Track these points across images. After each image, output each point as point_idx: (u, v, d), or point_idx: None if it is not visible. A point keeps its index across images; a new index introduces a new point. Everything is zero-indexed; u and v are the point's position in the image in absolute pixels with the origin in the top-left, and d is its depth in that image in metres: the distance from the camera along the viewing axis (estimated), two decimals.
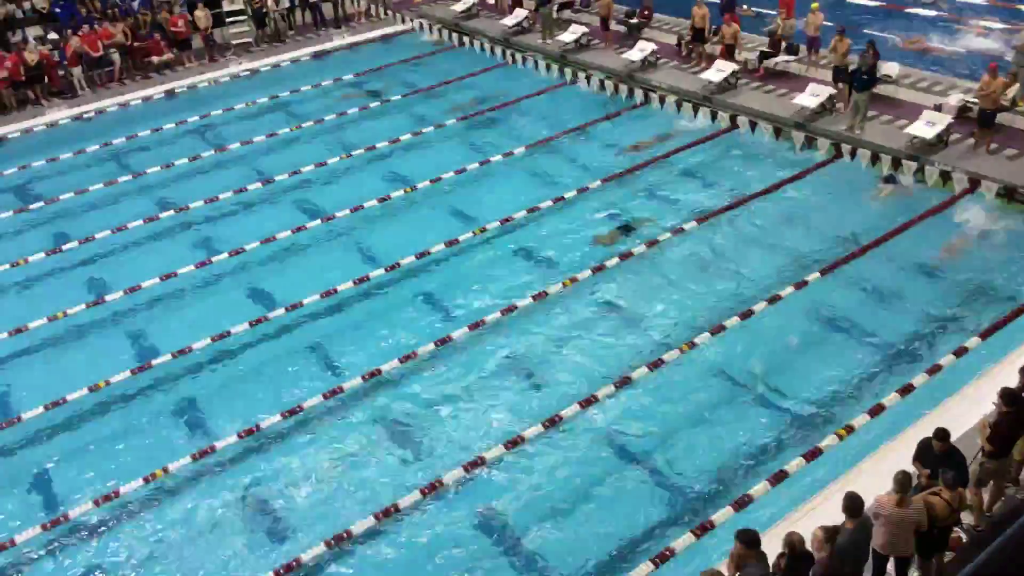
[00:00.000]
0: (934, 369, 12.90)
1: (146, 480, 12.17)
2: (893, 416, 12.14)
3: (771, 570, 8.49)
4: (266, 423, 13.01)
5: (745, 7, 27.37)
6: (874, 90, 19.49)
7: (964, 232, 16.21)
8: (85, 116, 24.12)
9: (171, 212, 19.04)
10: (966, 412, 11.22)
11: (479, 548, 11.15)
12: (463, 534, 11.33)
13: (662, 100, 22.30)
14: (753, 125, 20.60)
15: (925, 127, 18.44)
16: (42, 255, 17.71)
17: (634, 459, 12.30)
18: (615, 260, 16.25)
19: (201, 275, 16.91)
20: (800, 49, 22.96)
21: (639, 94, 22.77)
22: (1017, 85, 19.20)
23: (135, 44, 26.19)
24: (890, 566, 9.23)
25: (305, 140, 22.26)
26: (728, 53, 22.61)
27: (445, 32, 28.27)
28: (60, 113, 24.12)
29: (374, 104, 23.72)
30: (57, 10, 26.98)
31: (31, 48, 24.92)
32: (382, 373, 13.90)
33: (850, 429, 11.93)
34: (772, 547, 8.76)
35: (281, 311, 15.45)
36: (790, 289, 15.00)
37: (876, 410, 12.21)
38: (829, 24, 22.32)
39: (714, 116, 21.30)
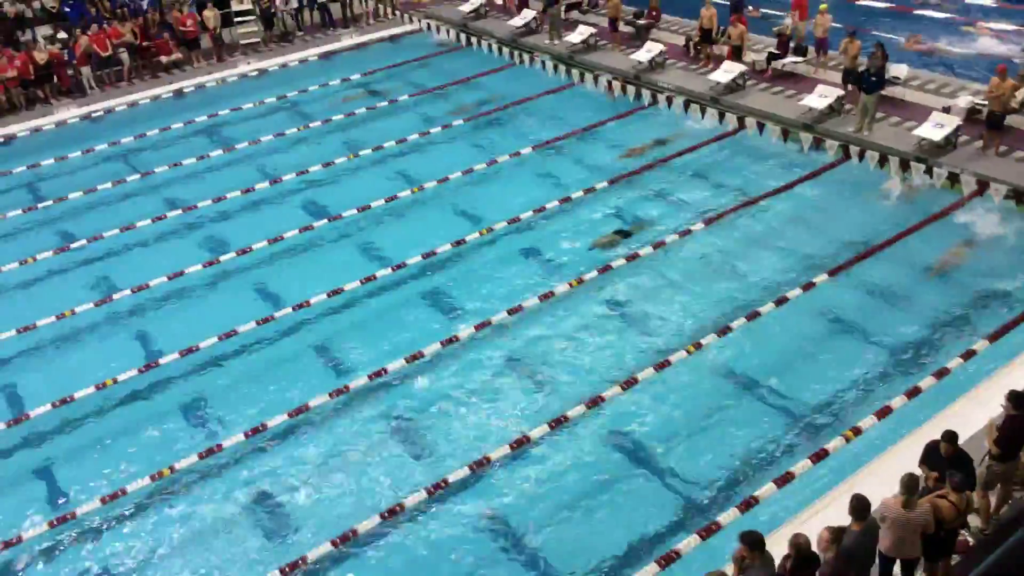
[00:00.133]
0: (942, 372, 12.86)
1: (153, 478, 12.21)
2: (900, 418, 12.10)
3: (777, 572, 8.47)
4: (272, 422, 13.03)
5: (751, 8, 27.33)
6: (883, 92, 19.42)
7: (960, 244, 16.05)
8: (94, 115, 24.20)
9: (179, 211, 19.09)
10: (973, 414, 11.20)
11: (484, 548, 11.16)
12: (468, 534, 11.34)
13: (670, 101, 22.27)
14: (761, 126, 20.56)
15: (934, 129, 18.38)
16: (50, 253, 17.76)
17: (640, 460, 12.30)
18: (621, 261, 16.24)
19: (208, 274, 16.95)
20: (808, 50, 22.91)
21: (647, 95, 22.75)
22: None
23: (144, 44, 26.26)
24: (896, 568, 9.20)
25: (313, 140, 22.30)
26: (735, 54, 22.57)
27: (453, 32, 28.29)
28: (69, 112, 24.20)
29: (381, 104, 23.73)
30: (67, 9, 27.09)
31: (41, 47, 25.03)
32: (388, 372, 13.92)
33: (857, 431, 11.89)
34: (778, 549, 8.75)
35: (288, 310, 15.48)
36: (797, 291, 14.97)
37: (883, 412, 12.17)
38: (837, 26, 22.25)
39: (722, 117, 21.25)
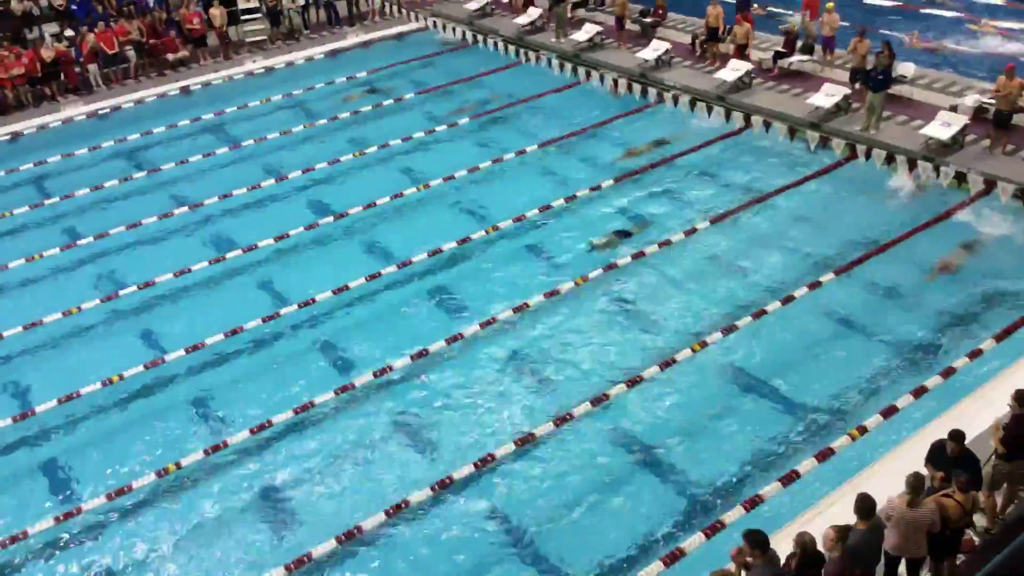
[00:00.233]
0: (948, 371, 12.83)
1: (159, 475, 12.24)
2: (906, 418, 12.09)
3: (782, 570, 8.46)
4: (278, 419, 13.05)
5: (757, 6, 27.26)
6: (889, 91, 19.37)
7: (959, 248, 15.93)
8: (100, 113, 24.24)
9: (185, 208, 19.12)
10: (980, 414, 11.16)
11: (489, 545, 11.17)
12: (473, 531, 11.35)
13: (676, 99, 22.24)
14: (767, 125, 20.53)
15: (941, 128, 18.33)
16: (57, 250, 17.80)
17: (645, 458, 12.29)
18: (627, 259, 16.22)
19: (214, 271, 16.97)
20: (815, 49, 22.86)
21: (653, 93, 22.72)
22: None
23: (151, 41, 26.31)
24: (902, 568, 9.18)
25: (318, 138, 22.31)
26: (740, 53, 22.52)
27: (459, 30, 28.28)
28: (76, 109, 24.25)
29: (387, 102, 23.73)
30: (74, 7, 27.13)
31: (48, 45, 25.07)
32: (393, 370, 13.93)
33: (863, 430, 11.87)
34: (783, 548, 8.74)
35: (293, 307, 15.50)
36: (803, 290, 14.94)
37: (889, 411, 12.14)
38: (845, 24, 22.20)
39: (728, 116, 21.23)
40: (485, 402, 13.46)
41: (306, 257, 17.46)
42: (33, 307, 16.04)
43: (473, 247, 17.17)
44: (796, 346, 14.11)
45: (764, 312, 14.47)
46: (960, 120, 18.41)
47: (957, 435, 9.48)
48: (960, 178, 17.63)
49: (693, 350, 13.80)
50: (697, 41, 24.26)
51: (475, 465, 11.98)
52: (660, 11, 26.16)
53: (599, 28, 25.55)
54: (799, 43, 22.92)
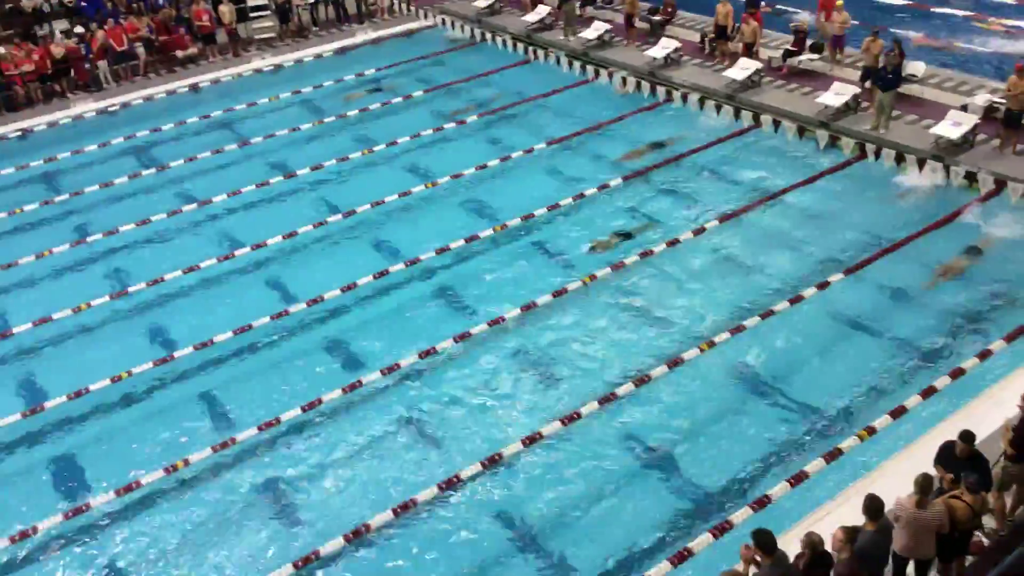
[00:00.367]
0: (957, 372, 12.79)
1: (167, 471, 12.28)
2: (915, 418, 12.06)
3: (790, 570, 8.44)
4: (286, 416, 13.08)
5: (765, 4, 27.15)
6: (899, 90, 19.30)
7: (959, 256, 15.76)
8: (110, 109, 24.32)
9: (194, 205, 19.17)
10: (989, 415, 11.12)
11: (496, 544, 11.18)
12: (481, 529, 11.36)
13: (685, 98, 22.20)
14: (776, 124, 20.48)
15: (951, 127, 18.26)
16: (66, 246, 17.88)
17: (652, 457, 12.28)
18: (635, 258, 16.20)
19: (223, 268, 17.01)
20: (825, 48, 22.77)
21: (661, 91, 22.68)
22: None
23: (160, 38, 26.37)
24: (910, 569, 9.16)
25: (327, 135, 22.33)
26: (748, 51, 22.45)
27: (467, 28, 28.28)
28: (85, 106, 24.32)
29: (396, 100, 23.73)
30: (83, 4, 27.20)
31: (58, 41, 25.16)
32: (401, 368, 13.94)
33: (871, 431, 11.84)
34: (791, 548, 8.72)
35: (302, 305, 15.53)
36: (812, 289, 14.90)
37: (898, 412, 12.12)
38: (855, 22, 22.11)
39: (737, 114, 21.18)
40: (493, 401, 13.46)
41: (314, 255, 17.48)
42: (43, 303, 16.10)
43: (481, 245, 17.17)
44: (804, 346, 14.07)
45: (772, 312, 14.44)
46: (971, 119, 18.34)
47: (967, 436, 9.44)
48: (970, 178, 17.56)
49: (701, 350, 13.78)
50: (706, 39, 24.20)
51: (482, 464, 12.00)
52: (669, 9, 26.11)
53: (608, 26, 25.51)
54: (809, 41, 22.83)
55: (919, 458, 10.35)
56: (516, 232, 17.55)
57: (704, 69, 23.28)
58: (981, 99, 19.46)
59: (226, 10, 26.89)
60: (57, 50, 24.74)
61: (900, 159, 18.47)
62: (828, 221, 17.27)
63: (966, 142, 18.25)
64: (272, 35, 28.32)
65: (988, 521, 9.92)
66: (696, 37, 24.88)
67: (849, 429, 12.16)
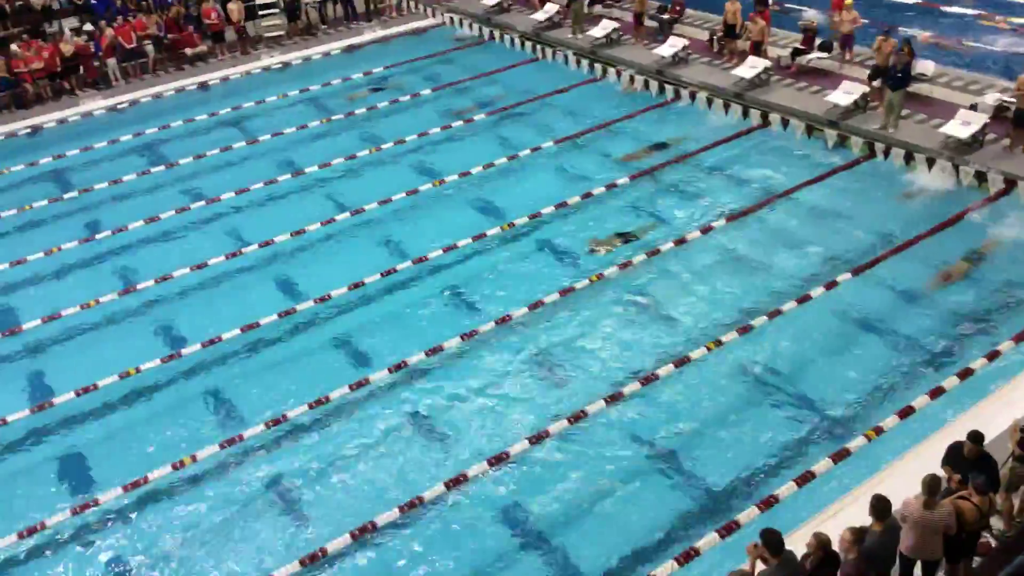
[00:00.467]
0: (965, 372, 12.74)
1: (174, 467, 12.32)
2: (923, 419, 12.02)
3: (797, 571, 8.42)
4: (293, 413, 13.11)
5: (772, 3, 27.04)
6: (909, 89, 19.22)
7: (960, 262, 15.61)
8: (119, 107, 24.39)
9: (202, 203, 19.23)
10: (997, 416, 11.08)
11: (502, 542, 11.19)
12: (487, 528, 11.37)
13: (693, 96, 22.16)
14: (785, 122, 20.43)
15: (960, 127, 18.18)
16: (75, 243, 17.96)
17: (659, 456, 12.27)
18: (643, 257, 16.19)
19: (231, 266, 17.05)
20: (834, 46, 22.69)
21: (670, 90, 22.65)
22: None
23: (169, 36, 26.44)
24: (917, 569, 9.13)
25: (335, 133, 22.35)
26: (755, 50, 22.38)
27: (476, 26, 28.27)
28: (95, 103, 24.40)
29: (404, 98, 23.74)
30: (93, 1, 27.32)
31: (67, 39, 25.26)
32: (408, 365, 13.95)
33: (879, 431, 11.81)
34: (798, 548, 8.70)
35: (309, 303, 15.55)
36: (820, 289, 14.86)
37: (906, 412, 12.08)
38: (865, 21, 22.02)
39: (746, 113, 21.14)
40: (499, 399, 13.47)
41: (322, 252, 17.50)
42: (52, 300, 16.19)
43: (488, 244, 17.17)
44: (812, 346, 14.04)
45: (780, 312, 14.41)
46: (980, 119, 18.25)
47: (975, 436, 9.41)
48: (980, 177, 17.49)
49: (708, 349, 13.76)
50: (715, 38, 24.14)
51: (489, 462, 12.00)
52: (678, 7, 26.05)
53: (616, 24, 25.47)
54: (818, 40, 22.76)
55: (927, 458, 10.32)
56: (523, 230, 17.54)
57: (713, 67, 23.22)
58: (991, 98, 19.37)
59: (235, 8, 26.94)
60: (67, 47, 24.83)
61: (909, 158, 18.40)
62: (836, 220, 17.22)
63: (976, 141, 18.18)
64: (280, 33, 28.37)
65: (996, 522, 9.88)
66: (705, 35, 24.83)
67: (857, 429, 12.12)
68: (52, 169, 21.46)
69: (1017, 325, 13.80)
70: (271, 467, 12.56)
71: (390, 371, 13.86)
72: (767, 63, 21.87)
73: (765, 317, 14.31)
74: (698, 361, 13.60)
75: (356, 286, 15.89)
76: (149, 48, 26.03)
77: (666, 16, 25.73)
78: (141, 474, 12.24)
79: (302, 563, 10.72)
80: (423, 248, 16.88)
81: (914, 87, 19.96)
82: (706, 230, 16.91)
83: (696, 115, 21.82)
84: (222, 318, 15.26)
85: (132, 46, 25.65)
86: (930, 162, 18.11)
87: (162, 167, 21.01)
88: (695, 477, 11.87)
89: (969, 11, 27.79)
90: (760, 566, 8.49)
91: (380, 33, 28.56)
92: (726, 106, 21.47)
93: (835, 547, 8.44)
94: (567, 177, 19.59)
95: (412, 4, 30.60)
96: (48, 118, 23.76)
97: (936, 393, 12.37)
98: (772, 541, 8.33)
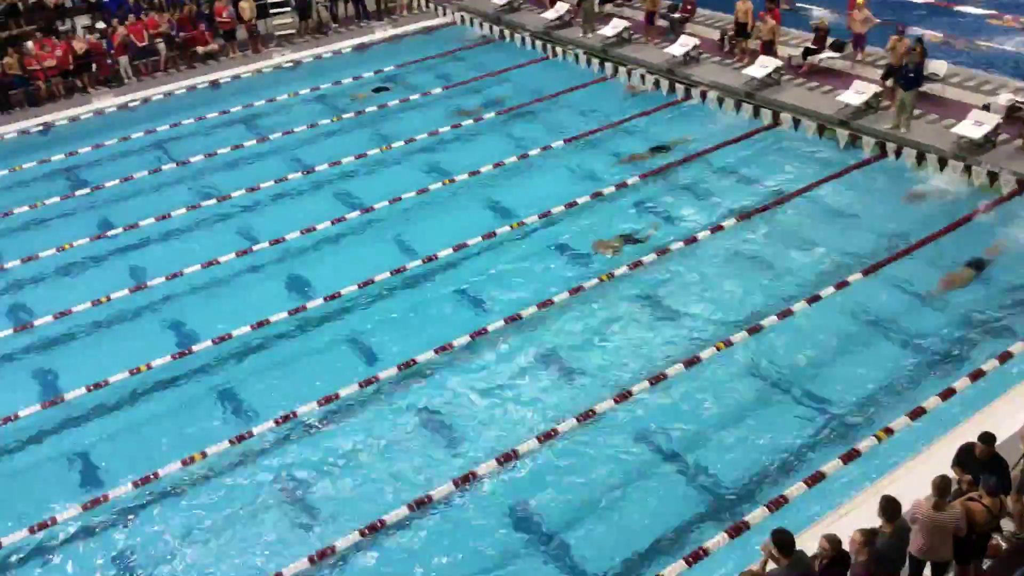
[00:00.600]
0: (977, 374, 12.68)
1: (184, 463, 12.36)
2: (933, 420, 11.96)
3: (808, 571, 8.40)
4: (303, 410, 13.14)
5: (783, 2, 26.93)
6: (921, 89, 19.14)
7: (965, 266, 15.44)
8: (130, 105, 24.48)
9: (213, 201, 19.29)
10: (1008, 417, 11.02)
11: (511, 541, 11.19)
12: (495, 526, 11.37)
13: (704, 96, 22.12)
14: (796, 122, 20.37)
15: (973, 127, 18.09)
16: (87, 240, 18.04)
17: (668, 456, 12.25)
18: (652, 256, 16.16)
19: (242, 263, 17.10)
20: (846, 46, 22.62)
21: (680, 89, 22.61)
22: None
23: (181, 34, 26.53)
24: (927, 571, 9.09)
25: (345, 131, 22.38)
26: (766, 50, 22.32)
27: (486, 25, 28.28)
28: (106, 101, 24.51)
29: (414, 97, 23.77)
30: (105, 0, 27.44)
31: (80, 37, 25.38)
32: (417, 363, 13.97)
33: (889, 431, 11.76)
34: (807, 549, 8.67)
35: (319, 300, 15.59)
36: (830, 289, 14.81)
37: (916, 413, 12.03)
38: (876, 20, 21.94)
39: (756, 112, 21.08)
40: (508, 397, 13.47)
41: (332, 250, 17.54)
42: (63, 296, 16.25)
43: (498, 242, 17.17)
44: (822, 346, 13.99)
45: (790, 312, 14.37)
46: (993, 119, 18.16)
47: (987, 438, 9.37)
48: (992, 178, 17.41)
49: (718, 348, 13.73)
50: (726, 37, 24.09)
51: (498, 460, 12.00)
52: (689, 6, 25.99)
53: (626, 23, 25.44)
54: (829, 40, 22.67)
55: (937, 460, 10.27)
56: (534, 229, 17.54)
57: (724, 67, 23.17)
58: (1003, 99, 19.27)
59: (246, 6, 27.00)
60: (79, 45, 24.95)
61: (921, 159, 18.33)
62: (847, 220, 17.17)
63: (988, 142, 18.09)
64: (292, 31, 28.44)
65: (1006, 524, 9.82)
66: (716, 35, 24.77)
67: (867, 430, 12.08)
68: (64, 166, 21.55)
69: None
70: (280, 464, 12.59)
71: (399, 369, 13.87)
72: (778, 62, 21.81)
73: (775, 317, 14.27)
74: (708, 361, 13.57)
75: (366, 284, 15.92)
76: (161, 46, 26.12)
77: (677, 15, 25.67)
78: (151, 470, 12.28)
79: (311, 560, 10.75)
80: (433, 246, 16.88)
81: (926, 87, 19.87)
82: (716, 229, 16.87)
83: (707, 114, 21.78)
84: (232, 315, 15.30)
85: (144, 44, 25.76)
86: (942, 162, 18.04)
87: (173, 165, 21.09)
88: (704, 477, 11.85)
89: (981, 11, 27.64)
90: (771, 566, 8.47)
91: (391, 32, 28.60)
92: (737, 106, 21.43)
93: (845, 547, 8.41)
94: (577, 176, 19.57)
95: (423, 3, 30.62)
96: (60, 115, 23.85)
97: (947, 394, 12.32)
98: (783, 541, 8.31)
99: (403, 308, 15.70)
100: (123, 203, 19.72)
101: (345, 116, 22.90)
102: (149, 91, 24.95)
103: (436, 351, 14.14)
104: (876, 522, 8.72)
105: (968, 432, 10.22)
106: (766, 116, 20.88)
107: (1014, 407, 11.46)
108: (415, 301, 15.86)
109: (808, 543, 8.85)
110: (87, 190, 20.18)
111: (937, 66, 20.80)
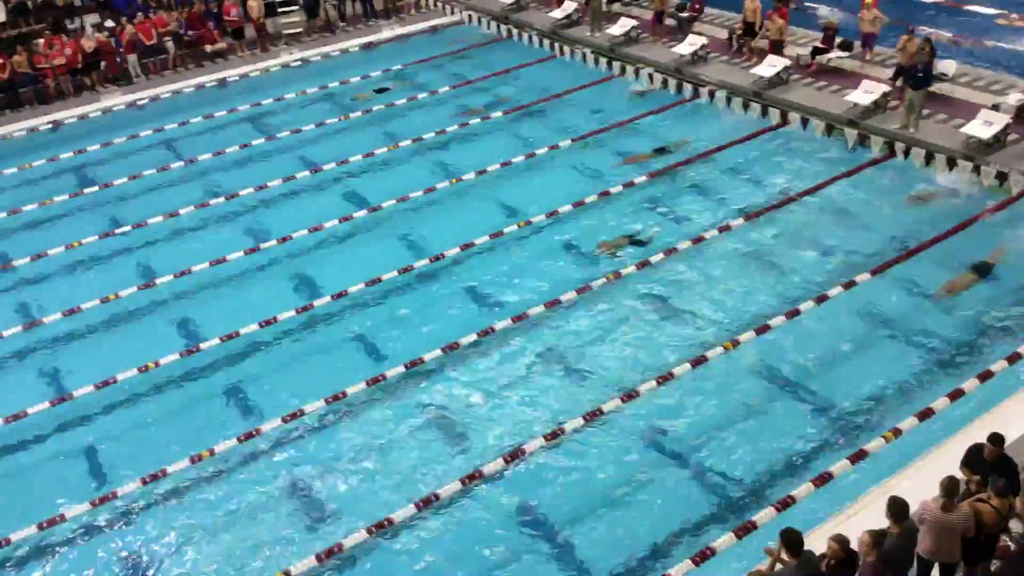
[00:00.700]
0: (985, 375, 12.64)
1: (192, 460, 12.40)
2: (942, 420, 11.93)
3: (816, 571, 8.39)
4: (310, 408, 13.16)
5: (792, 1, 26.87)
6: (930, 88, 19.07)
7: (968, 271, 15.30)
8: (139, 103, 24.54)
9: (221, 199, 19.32)
10: (1018, 418, 11.01)
11: (517, 540, 11.19)
12: (502, 525, 11.38)
13: (712, 95, 22.08)
14: (804, 122, 20.32)
15: (982, 127, 18.03)
16: (95, 238, 18.08)
17: (675, 456, 12.25)
18: (660, 256, 16.15)
19: (249, 261, 17.14)
20: (854, 45, 22.55)
21: (688, 88, 22.58)
22: None
23: (189, 33, 26.60)
24: (935, 572, 9.07)
25: (353, 130, 22.41)
26: (774, 49, 22.27)
27: (493, 24, 28.27)
28: (115, 99, 24.57)
29: (422, 95, 23.78)
30: None
31: (89, 35, 25.45)
32: (424, 362, 13.98)
33: (897, 432, 11.73)
34: (815, 549, 8.66)
35: (327, 299, 15.61)
36: (838, 289, 14.78)
37: (925, 414, 11.99)
38: (886, 19, 21.87)
39: (765, 112, 21.04)
40: (515, 396, 13.47)
41: (340, 249, 17.56)
42: (72, 294, 16.30)
43: (505, 241, 17.18)
44: (830, 346, 13.96)
45: (798, 311, 14.34)
46: (1002, 119, 18.10)
47: (996, 439, 9.34)
48: (1001, 178, 17.34)
49: (725, 348, 13.71)
50: (734, 36, 24.04)
51: (505, 459, 12.01)
52: (697, 5, 25.96)
53: (634, 22, 25.41)
54: (838, 39, 22.62)
55: (945, 460, 10.24)
56: (541, 228, 17.54)
57: (732, 66, 23.13)
58: (1013, 99, 19.19)
59: (255, 5, 27.05)
60: (88, 44, 25.02)
61: (930, 158, 18.27)
62: (855, 220, 17.12)
63: (997, 142, 18.02)
64: (300, 30, 28.47)
65: (1015, 525, 9.78)
66: (724, 34, 24.72)
67: (875, 430, 12.05)
68: (73, 164, 21.61)
69: None
70: (288, 461, 12.62)
71: (406, 367, 13.88)
72: (787, 62, 21.76)
73: (783, 316, 14.24)
74: (715, 360, 13.55)
75: (373, 283, 15.94)
76: (169, 45, 26.17)
77: (685, 14, 25.64)
78: (159, 467, 12.32)
79: (318, 558, 10.77)
80: (441, 245, 16.90)
81: (935, 87, 19.81)
82: (723, 228, 16.85)
83: (715, 114, 21.74)
84: (240, 313, 15.33)
85: (152, 42, 25.82)
86: (951, 162, 17.98)
87: (181, 163, 21.14)
88: (711, 476, 11.84)
89: (990, 10, 27.52)
90: (778, 566, 8.47)
91: (398, 31, 28.62)
92: (745, 105, 21.39)
93: (853, 547, 8.39)
94: (584, 175, 19.56)
95: (431, 1, 30.63)
96: (69, 114, 23.92)
97: (956, 395, 12.28)
98: (792, 540, 8.31)
99: (410, 307, 15.71)
100: (131, 201, 19.78)
101: (353, 115, 22.92)
102: (157, 89, 25.00)
103: (443, 350, 14.16)
104: (884, 523, 8.70)
105: (977, 433, 10.19)
106: (774, 115, 20.85)
107: (1023, 408, 11.41)
108: (422, 300, 15.87)
109: (816, 543, 8.84)
110: (95, 188, 20.25)
111: (946, 66, 20.74)
